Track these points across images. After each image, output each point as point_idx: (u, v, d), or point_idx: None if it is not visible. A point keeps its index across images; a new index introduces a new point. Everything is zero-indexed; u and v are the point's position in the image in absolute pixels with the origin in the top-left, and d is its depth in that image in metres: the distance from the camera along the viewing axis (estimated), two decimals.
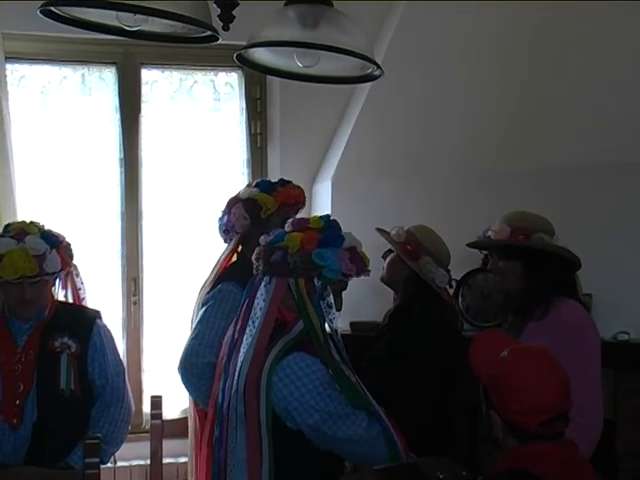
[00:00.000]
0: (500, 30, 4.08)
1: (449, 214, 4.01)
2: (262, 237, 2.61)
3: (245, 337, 2.50)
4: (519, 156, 3.93)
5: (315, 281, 2.49)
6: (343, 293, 2.65)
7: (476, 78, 4.12)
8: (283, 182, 3.33)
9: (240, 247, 3.31)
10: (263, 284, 2.53)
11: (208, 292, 3.20)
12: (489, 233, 3.08)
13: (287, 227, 2.59)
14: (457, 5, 4.09)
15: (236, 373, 2.48)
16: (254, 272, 2.60)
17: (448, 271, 3.35)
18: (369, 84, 3.55)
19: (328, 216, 2.65)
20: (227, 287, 3.12)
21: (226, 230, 3.30)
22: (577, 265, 3.04)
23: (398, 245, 3.32)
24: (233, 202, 3.28)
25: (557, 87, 3.97)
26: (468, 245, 3.21)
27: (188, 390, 3.17)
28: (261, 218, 3.18)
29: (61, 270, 3.19)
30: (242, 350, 2.49)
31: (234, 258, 3.35)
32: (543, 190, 3.80)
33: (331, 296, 2.53)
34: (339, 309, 2.64)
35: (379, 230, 3.46)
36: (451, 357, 3.14)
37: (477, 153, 4.02)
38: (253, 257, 2.60)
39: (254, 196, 3.22)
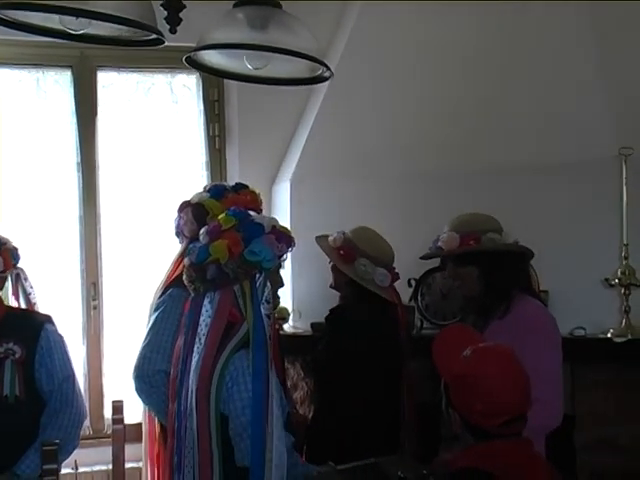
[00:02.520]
0: (452, 32, 4.12)
1: (407, 214, 4.03)
2: (185, 259, 2.59)
3: (194, 355, 2.49)
4: (475, 156, 3.95)
5: (257, 277, 2.48)
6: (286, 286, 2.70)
7: (430, 79, 4.14)
8: (239, 187, 3.33)
9: None
10: (207, 300, 2.50)
11: (159, 297, 3.19)
12: (439, 244, 3.11)
13: (202, 239, 2.56)
14: (410, 8, 4.11)
15: (189, 393, 2.47)
16: (192, 293, 2.57)
17: (392, 269, 3.38)
18: (325, 85, 3.55)
19: (234, 210, 2.63)
20: (177, 292, 3.09)
21: (177, 233, 3.31)
22: (529, 256, 3.09)
23: (332, 251, 3.37)
24: (183, 206, 3.29)
25: (507, 88, 4.00)
26: (421, 258, 3.26)
27: (141, 398, 3.18)
28: (207, 224, 3.08)
29: (3, 271, 3.17)
30: (192, 369, 2.48)
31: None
32: (497, 189, 3.83)
33: (268, 289, 2.52)
34: (282, 285, 2.69)
35: (317, 238, 3.48)
36: (371, 352, 3.20)
37: (432, 153, 4.04)
38: (185, 280, 2.57)
39: (203, 201, 3.22)
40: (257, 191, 3.40)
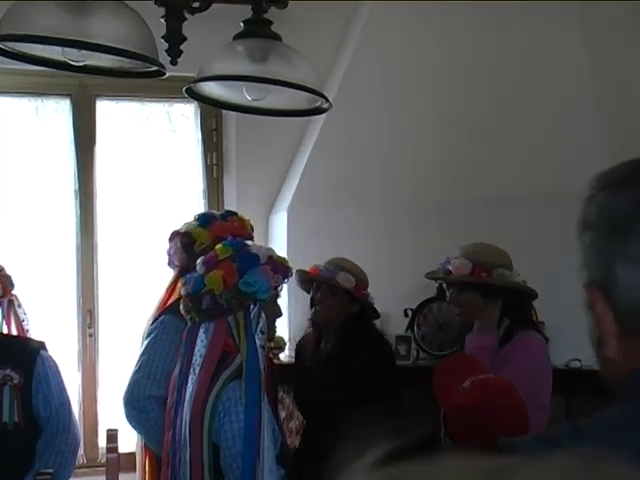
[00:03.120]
0: (452, 63, 4.16)
1: (404, 243, 4.04)
2: (182, 288, 2.60)
3: (188, 386, 2.49)
4: (471, 186, 3.98)
5: (251, 307, 2.48)
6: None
7: (427, 110, 4.18)
8: (227, 214, 3.32)
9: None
10: (202, 330, 2.51)
11: (151, 324, 3.19)
12: (449, 267, 3.10)
13: (199, 269, 2.57)
14: (409, 40, 4.16)
15: (183, 423, 2.47)
16: (189, 323, 2.58)
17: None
18: (323, 115, 3.58)
19: (231, 240, 2.65)
20: (169, 319, 3.10)
21: (169, 263, 3.32)
22: (533, 297, 3.09)
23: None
24: (173, 236, 3.29)
25: (505, 119, 4.04)
26: (427, 275, 3.25)
27: (131, 425, 3.17)
28: (195, 252, 3.12)
29: (2, 296, 3.18)
30: (186, 400, 2.48)
31: (177, 291, 3.35)
32: (495, 219, 3.85)
33: (263, 321, 2.52)
34: (280, 315, 2.70)
35: (298, 272, 3.43)
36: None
37: (429, 183, 4.06)
38: (182, 310, 2.58)
39: (190, 230, 3.21)
40: (246, 218, 3.39)
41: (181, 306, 2.58)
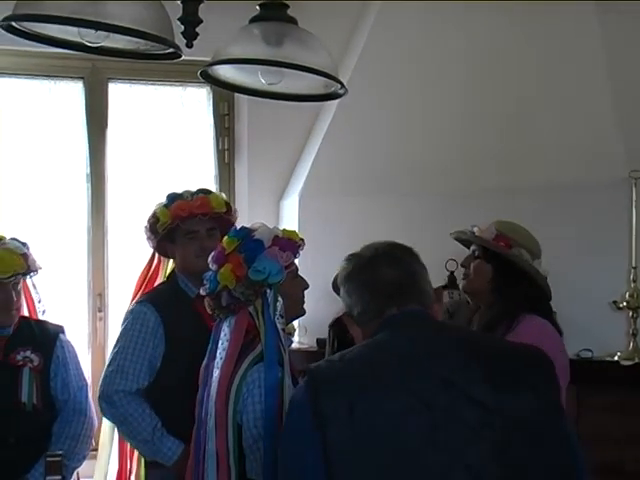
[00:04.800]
0: (468, 50, 4.13)
1: (415, 231, 4.00)
2: (201, 289, 2.57)
3: (214, 378, 2.48)
4: (485, 175, 3.96)
5: (267, 292, 2.47)
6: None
7: (442, 97, 4.15)
8: (198, 192, 3.18)
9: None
10: (226, 325, 2.50)
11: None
12: (475, 229, 3.08)
13: (212, 267, 2.54)
14: (422, 25, 4.13)
15: (208, 416, 2.46)
16: (217, 318, 2.57)
17: None
18: (336, 101, 3.56)
19: (235, 230, 2.60)
20: (138, 309, 3.06)
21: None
22: (546, 294, 3.03)
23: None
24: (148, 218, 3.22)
25: (519, 109, 4.01)
26: (452, 234, 3.21)
27: (105, 417, 3.19)
28: (158, 232, 3.10)
29: (36, 271, 3.23)
30: (212, 388, 2.47)
31: (152, 274, 3.34)
32: (509, 209, 3.80)
33: (281, 304, 2.50)
34: (307, 286, 2.67)
35: None
36: None
37: (443, 171, 4.04)
38: (208, 309, 2.57)
39: (155, 210, 3.14)
40: (220, 194, 3.29)
41: (207, 307, 2.57)
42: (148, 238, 3.18)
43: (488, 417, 1.66)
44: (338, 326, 3.74)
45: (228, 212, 3.19)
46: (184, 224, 3.08)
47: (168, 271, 3.29)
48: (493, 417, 1.67)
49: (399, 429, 1.63)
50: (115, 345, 3.08)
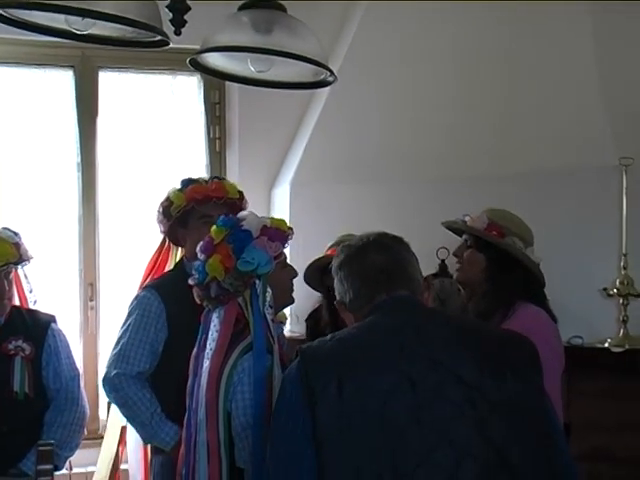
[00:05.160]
0: (454, 40, 4.13)
1: (406, 219, 4.01)
2: (190, 279, 2.55)
3: (204, 367, 2.47)
4: (476, 162, 3.96)
5: (256, 283, 2.45)
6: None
7: (433, 85, 4.15)
8: (212, 178, 3.22)
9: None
10: (215, 315, 2.49)
11: (134, 299, 3.14)
12: (467, 218, 3.06)
13: (200, 257, 2.53)
14: (413, 13, 4.13)
15: (199, 405, 2.46)
16: (206, 308, 2.55)
17: None
18: (327, 89, 3.55)
19: (223, 219, 2.57)
20: (143, 295, 3.07)
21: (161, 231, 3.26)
22: (540, 282, 3.03)
23: None
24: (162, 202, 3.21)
25: (509, 96, 4.02)
26: (443, 223, 3.20)
27: (110, 401, 3.21)
28: (172, 215, 3.09)
29: (28, 260, 3.23)
30: (202, 378, 2.47)
31: (162, 259, 3.32)
32: (498, 196, 3.80)
33: (269, 294, 2.48)
34: (295, 274, 2.63)
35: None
36: None
37: (434, 159, 4.04)
38: (197, 299, 2.55)
39: (169, 193, 3.14)
40: (234, 184, 3.26)
41: (196, 297, 2.56)
42: (160, 222, 3.16)
43: (473, 397, 1.70)
44: (313, 319, 3.73)
45: (240, 199, 3.19)
46: (199, 207, 3.07)
47: (177, 259, 3.29)
48: (478, 398, 1.71)
49: (386, 407, 1.67)
50: (120, 330, 3.09)
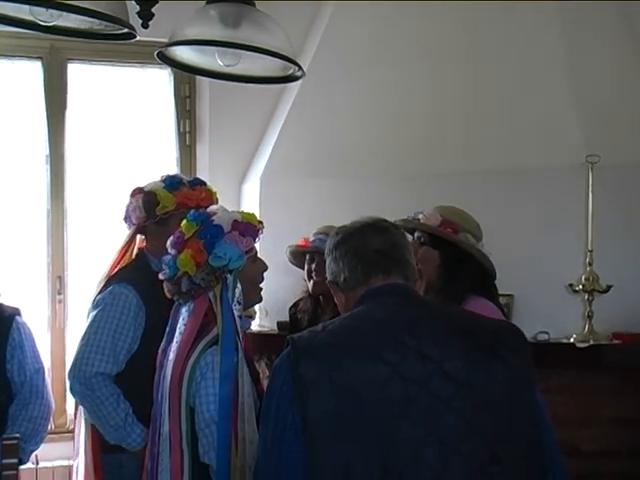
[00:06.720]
0: (431, 35, 4.14)
1: (377, 214, 3.99)
2: (160, 274, 2.52)
3: (169, 360, 2.47)
4: (443, 158, 3.98)
5: (227, 278, 2.45)
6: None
7: (402, 80, 4.17)
8: (196, 182, 3.15)
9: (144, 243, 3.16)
10: (184, 309, 2.48)
11: (100, 292, 3.02)
12: (420, 216, 3.08)
13: (170, 251, 2.50)
14: (383, 8, 4.14)
15: (163, 399, 2.45)
16: (176, 302, 2.54)
17: None
18: (297, 84, 3.55)
19: (194, 214, 2.54)
20: (118, 289, 2.96)
21: (125, 218, 3.12)
22: (493, 275, 3.05)
23: None
24: (135, 192, 3.08)
25: (477, 92, 4.04)
26: (396, 222, 3.20)
27: (75, 399, 3.02)
28: (156, 214, 3.00)
29: None
30: (167, 370, 2.47)
31: (131, 251, 3.19)
32: (465, 191, 3.84)
33: (239, 290, 2.48)
34: (265, 269, 2.62)
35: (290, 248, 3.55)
36: None
37: (403, 154, 4.06)
38: (167, 294, 2.52)
39: (155, 190, 3.03)
40: (214, 189, 3.20)
41: (167, 291, 2.54)
42: (137, 217, 3.04)
43: (461, 390, 1.70)
44: (294, 309, 3.76)
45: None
46: (180, 212, 2.94)
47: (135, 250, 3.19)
48: (466, 390, 1.71)
49: (376, 399, 1.68)
50: (91, 324, 2.93)
